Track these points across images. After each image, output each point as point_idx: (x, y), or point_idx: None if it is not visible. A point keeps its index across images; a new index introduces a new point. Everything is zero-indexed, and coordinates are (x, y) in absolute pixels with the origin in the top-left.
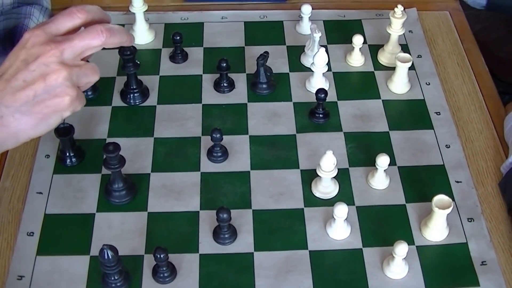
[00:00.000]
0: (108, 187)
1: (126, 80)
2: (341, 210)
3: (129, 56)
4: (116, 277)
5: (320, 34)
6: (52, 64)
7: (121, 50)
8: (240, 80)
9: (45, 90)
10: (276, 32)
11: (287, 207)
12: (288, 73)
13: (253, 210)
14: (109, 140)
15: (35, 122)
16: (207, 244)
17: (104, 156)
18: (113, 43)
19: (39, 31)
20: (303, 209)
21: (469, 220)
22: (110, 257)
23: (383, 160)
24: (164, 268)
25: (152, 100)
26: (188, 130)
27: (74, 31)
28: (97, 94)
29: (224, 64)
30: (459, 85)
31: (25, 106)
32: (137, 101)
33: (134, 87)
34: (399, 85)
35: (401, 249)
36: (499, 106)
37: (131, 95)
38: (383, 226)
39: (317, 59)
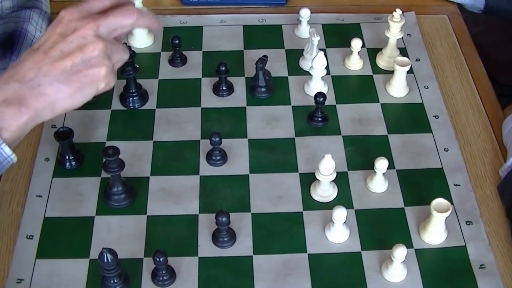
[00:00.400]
0: (107, 191)
1: (125, 84)
2: (340, 213)
3: (128, 60)
4: (115, 281)
5: (318, 38)
6: (89, 36)
7: None
8: (239, 84)
9: (83, 60)
10: (274, 36)
11: (286, 211)
12: (287, 77)
13: (252, 214)
14: (108, 143)
15: (72, 91)
16: (206, 248)
17: (104, 160)
18: (143, 25)
19: (73, 9)
20: (302, 212)
21: (468, 223)
22: (110, 260)
23: (381, 164)
24: (163, 272)
25: (151, 103)
26: (187, 133)
27: (103, 12)
28: (96, 97)
29: (223, 68)
30: (457, 88)
31: (63, 75)
32: (136, 105)
33: (133, 90)
34: (397, 88)
35: (400, 252)
36: (497, 109)
37: (130, 98)
38: (381, 229)
39: (315, 62)
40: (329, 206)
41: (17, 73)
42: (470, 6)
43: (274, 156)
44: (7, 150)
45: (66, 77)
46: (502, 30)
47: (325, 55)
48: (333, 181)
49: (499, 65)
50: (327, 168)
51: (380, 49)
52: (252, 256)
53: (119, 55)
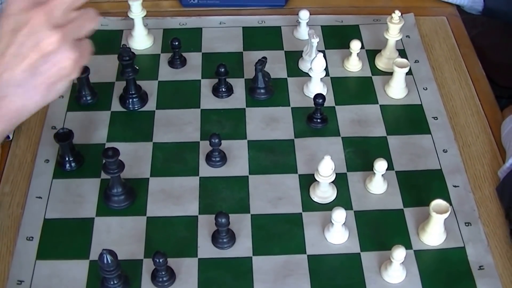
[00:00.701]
0: (107, 192)
1: (125, 85)
2: (339, 214)
3: (128, 62)
4: (115, 282)
5: (318, 40)
6: (43, 28)
7: (120, 55)
8: (238, 85)
9: (43, 59)
10: (274, 38)
11: (285, 212)
12: (286, 79)
13: (251, 215)
14: (108, 145)
15: (41, 94)
16: (206, 249)
17: (103, 161)
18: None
19: None
20: (301, 213)
21: (467, 224)
22: (110, 261)
23: (380, 165)
24: (163, 273)
25: (150, 105)
26: (186, 135)
27: None
28: (96, 99)
29: (223, 69)
30: (456, 90)
31: (26, 80)
32: (136, 106)
33: (133, 92)
34: (396, 90)
35: (399, 253)
36: (496, 110)
37: (130, 100)
38: (381, 230)
39: (315, 64)
40: (328, 207)
41: None
42: (469, 7)
43: (273, 157)
44: None
45: (30, 82)
46: (501, 32)
47: (324, 56)
48: (332, 182)
49: (498, 67)
50: (326, 170)
51: (379, 51)
52: (251, 257)
53: (85, 29)
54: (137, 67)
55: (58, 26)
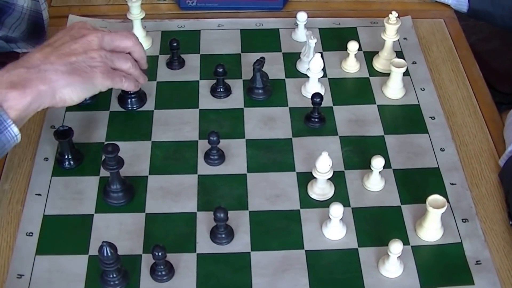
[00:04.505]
0: (107, 188)
1: None
2: (336, 209)
3: None
4: (114, 275)
5: (315, 40)
6: (94, 42)
7: None
8: (237, 86)
9: (84, 60)
10: (272, 40)
11: (283, 209)
12: (284, 79)
13: (249, 212)
14: (107, 143)
15: (72, 81)
16: (205, 244)
17: (103, 157)
18: (138, 55)
19: (86, 23)
20: (299, 210)
21: (464, 220)
22: (110, 254)
23: (378, 162)
24: (162, 267)
25: (149, 105)
26: (185, 134)
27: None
28: (95, 99)
29: (221, 70)
30: (453, 90)
31: (66, 66)
32: (134, 106)
33: (131, 92)
34: (394, 90)
35: (396, 247)
36: (493, 111)
37: (129, 100)
38: (378, 227)
39: (312, 64)
40: (326, 204)
41: (27, 60)
42: (454, 5)
43: (271, 155)
44: (15, 130)
45: (68, 69)
46: (500, 38)
47: (322, 58)
48: (330, 179)
49: (497, 73)
50: (324, 166)
51: (377, 53)
52: (250, 253)
53: (119, 63)
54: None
55: (104, 48)
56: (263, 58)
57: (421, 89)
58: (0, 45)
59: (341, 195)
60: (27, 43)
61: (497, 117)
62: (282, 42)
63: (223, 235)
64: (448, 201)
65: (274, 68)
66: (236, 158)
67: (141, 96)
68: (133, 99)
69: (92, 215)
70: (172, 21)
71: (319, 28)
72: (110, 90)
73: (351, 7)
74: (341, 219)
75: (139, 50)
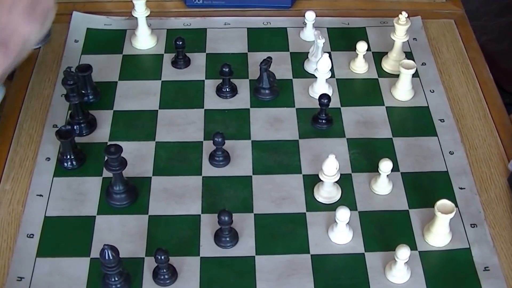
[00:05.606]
0: (109, 190)
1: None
2: (343, 213)
3: (72, 86)
4: (116, 279)
5: (324, 40)
6: None
7: (64, 79)
8: (243, 86)
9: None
10: (279, 39)
11: (289, 212)
12: (291, 80)
13: (254, 214)
14: (110, 143)
15: (39, 23)
16: (208, 248)
17: (106, 158)
18: None
19: None
20: (305, 213)
21: (472, 226)
22: (111, 257)
23: (385, 165)
24: (164, 270)
25: (153, 104)
26: (190, 135)
27: None
28: (98, 98)
29: (227, 69)
30: (463, 93)
31: (27, 15)
32: (83, 132)
33: (80, 117)
34: (403, 92)
35: (403, 252)
36: (503, 114)
37: (77, 126)
38: (385, 231)
39: (320, 64)
40: (332, 207)
41: None
42: None
43: (277, 157)
44: None
45: (30, 16)
46: (510, 39)
47: (330, 58)
48: (336, 182)
49: (507, 74)
50: (330, 169)
51: (386, 53)
52: (254, 257)
53: None
54: (83, 92)
55: None
56: (270, 57)
57: (430, 91)
58: None
59: (348, 198)
60: None
61: (507, 121)
62: (290, 42)
63: (228, 238)
64: (456, 206)
65: (281, 68)
66: (241, 159)
67: (91, 121)
68: (82, 125)
69: (94, 216)
70: (178, 19)
71: (327, 28)
72: (114, 89)
73: (360, 7)
74: (347, 223)
75: None
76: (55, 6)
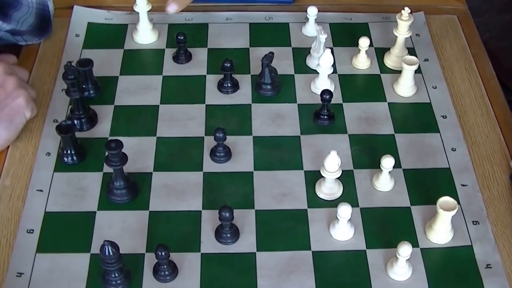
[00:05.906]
0: (110, 185)
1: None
2: (344, 210)
3: (72, 81)
4: (116, 275)
5: (326, 36)
6: (1, 74)
7: (65, 74)
8: (245, 81)
9: (6, 95)
10: (281, 34)
11: (290, 208)
12: (293, 75)
13: (256, 211)
14: (111, 139)
15: (5, 125)
16: (209, 244)
17: (106, 153)
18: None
19: None
20: (306, 210)
21: (474, 223)
22: (111, 253)
23: (387, 162)
24: (165, 267)
25: (155, 100)
26: (191, 130)
27: None
28: (99, 93)
29: (228, 65)
30: (466, 89)
31: None
32: (84, 127)
33: (80, 112)
34: (405, 88)
35: (405, 249)
36: (506, 111)
37: (78, 121)
38: (387, 228)
39: (322, 60)
40: (334, 204)
41: None
42: None
43: (279, 153)
44: None
45: None
46: None
47: (332, 53)
48: (338, 179)
49: (510, 72)
50: (332, 165)
51: (388, 49)
52: (255, 253)
53: (22, 75)
54: (84, 86)
55: (11, 73)
56: (271, 53)
57: (433, 87)
58: (5, 38)
59: (349, 195)
60: (33, 35)
61: (509, 118)
62: (292, 37)
63: (228, 235)
64: (458, 203)
65: (283, 63)
66: (242, 155)
67: (91, 117)
68: (82, 120)
69: (95, 212)
70: (180, 14)
71: (329, 23)
72: (115, 84)
73: (362, 2)
74: (349, 219)
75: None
76: (34, 107)
